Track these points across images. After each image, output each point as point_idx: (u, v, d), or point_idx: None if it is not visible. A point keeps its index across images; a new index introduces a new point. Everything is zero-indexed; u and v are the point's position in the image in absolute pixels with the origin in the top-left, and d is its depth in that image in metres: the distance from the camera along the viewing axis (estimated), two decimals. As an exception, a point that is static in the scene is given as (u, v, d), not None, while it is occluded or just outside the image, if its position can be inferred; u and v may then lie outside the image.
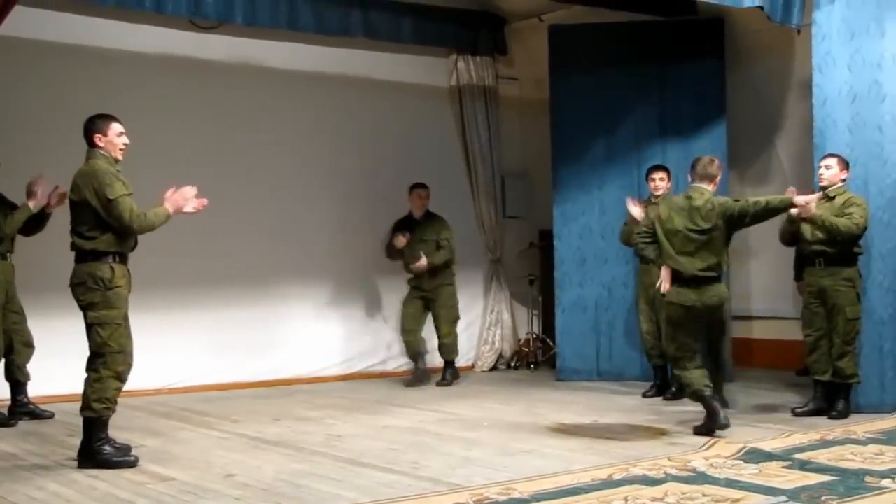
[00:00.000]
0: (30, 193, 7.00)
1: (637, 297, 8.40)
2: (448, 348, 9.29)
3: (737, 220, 6.41)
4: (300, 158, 9.50)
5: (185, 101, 8.86)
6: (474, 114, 10.44)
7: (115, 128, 5.61)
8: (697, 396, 6.36)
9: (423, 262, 8.96)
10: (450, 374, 9.26)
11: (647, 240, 6.67)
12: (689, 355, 6.41)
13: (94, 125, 5.59)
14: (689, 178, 6.61)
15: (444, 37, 10.19)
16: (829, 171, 6.93)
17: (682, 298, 6.38)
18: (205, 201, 5.66)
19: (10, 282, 7.08)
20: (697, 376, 6.33)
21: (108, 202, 5.39)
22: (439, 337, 9.28)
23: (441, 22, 10.08)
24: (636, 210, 7.95)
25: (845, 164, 6.96)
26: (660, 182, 8.10)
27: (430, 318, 9.30)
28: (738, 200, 6.51)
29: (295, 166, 9.46)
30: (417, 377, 9.13)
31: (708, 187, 6.49)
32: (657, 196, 8.05)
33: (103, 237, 5.46)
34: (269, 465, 5.52)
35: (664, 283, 6.48)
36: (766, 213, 6.40)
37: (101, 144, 5.56)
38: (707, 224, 6.34)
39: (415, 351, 9.22)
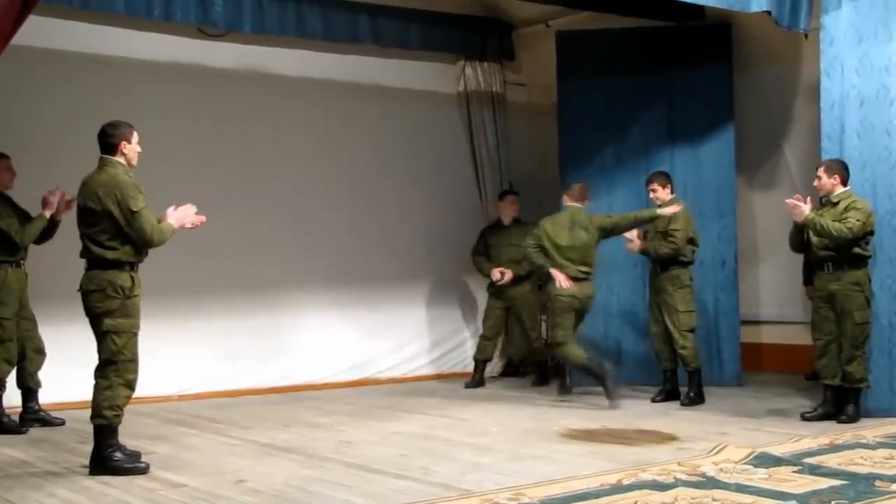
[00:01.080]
0: (46, 203, 7.04)
1: (649, 302, 8.41)
2: (540, 351, 9.61)
3: (608, 232, 8.19)
4: (308, 165, 9.53)
5: (193, 108, 8.89)
6: (482, 120, 10.46)
7: (136, 135, 5.66)
8: (584, 366, 8.10)
9: (509, 276, 9.35)
10: (539, 375, 9.59)
11: (537, 250, 8.18)
12: (570, 337, 8.14)
13: (120, 131, 5.59)
14: (565, 199, 8.37)
15: (451, 43, 10.21)
16: (819, 182, 7.00)
17: (570, 293, 8.04)
18: (203, 218, 5.73)
19: (24, 289, 7.11)
20: (579, 352, 8.07)
21: (132, 214, 5.42)
22: (531, 341, 9.68)
23: (449, 28, 10.10)
24: (635, 246, 8.27)
25: (837, 169, 6.95)
26: (651, 193, 8.22)
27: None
28: (609, 216, 8.30)
29: (303, 173, 9.49)
30: (476, 381, 9.49)
31: (581, 206, 8.24)
32: (658, 206, 8.14)
33: (124, 247, 5.49)
34: (280, 472, 5.53)
35: (563, 282, 8.02)
36: (632, 224, 8.20)
37: (126, 151, 5.59)
38: (586, 235, 8.09)
39: (486, 357, 9.66)
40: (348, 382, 9.52)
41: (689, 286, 8.12)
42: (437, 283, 10.27)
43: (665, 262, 8.07)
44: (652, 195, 8.20)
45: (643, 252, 8.26)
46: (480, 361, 9.60)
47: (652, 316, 8.28)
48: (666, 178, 8.24)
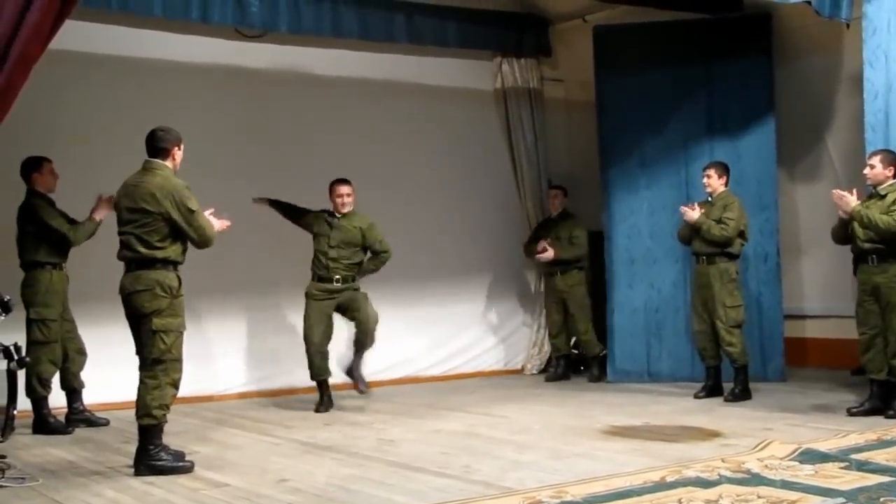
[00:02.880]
0: (97, 207, 7.16)
1: (692, 297, 8.34)
2: (589, 345, 9.64)
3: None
4: (345, 164, 9.48)
5: (231, 109, 8.93)
6: (520, 116, 10.41)
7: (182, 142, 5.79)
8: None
9: (549, 253, 9.51)
10: (597, 369, 9.55)
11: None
12: None
13: (173, 136, 5.72)
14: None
15: (488, 40, 10.18)
16: (873, 171, 6.89)
17: None
18: (228, 222, 5.91)
19: (65, 291, 7.19)
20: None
21: (191, 213, 5.54)
22: (579, 335, 9.67)
23: (485, 25, 10.07)
24: (693, 214, 7.99)
25: (893, 160, 6.85)
26: (705, 179, 8.18)
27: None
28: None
29: (340, 172, 9.45)
30: (559, 375, 9.69)
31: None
32: (709, 193, 8.17)
33: (173, 247, 5.59)
34: (322, 471, 5.54)
35: None
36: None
37: (175, 157, 5.72)
38: None
39: (563, 353, 9.79)
40: (389, 381, 9.51)
41: (736, 280, 8.04)
42: (475, 281, 10.23)
43: (711, 253, 7.99)
44: (706, 180, 8.14)
45: (688, 236, 8.14)
46: (562, 357, 9.80)
47: (695, 313, 8.21)
48: (723, 169, 8.18)
